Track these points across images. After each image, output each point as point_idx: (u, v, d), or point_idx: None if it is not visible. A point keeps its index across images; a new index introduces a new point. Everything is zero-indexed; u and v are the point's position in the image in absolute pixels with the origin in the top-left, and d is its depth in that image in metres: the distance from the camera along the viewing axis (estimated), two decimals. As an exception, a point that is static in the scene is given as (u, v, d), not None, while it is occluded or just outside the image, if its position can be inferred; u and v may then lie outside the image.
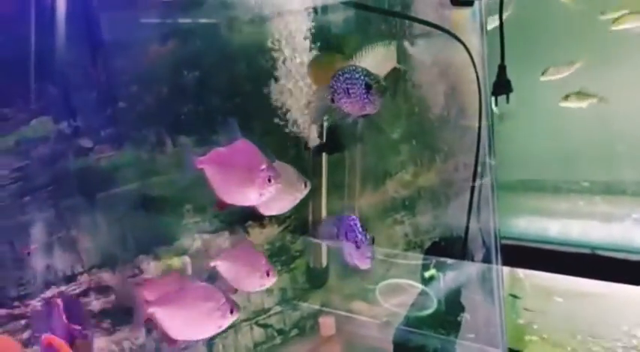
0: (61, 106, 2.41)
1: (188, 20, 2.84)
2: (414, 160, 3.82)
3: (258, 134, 3.13)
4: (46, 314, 1.96)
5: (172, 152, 2.76)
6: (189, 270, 2.71)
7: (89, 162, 2.52)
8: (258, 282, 2.41)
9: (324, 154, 3.25)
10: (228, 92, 2.96)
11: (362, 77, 2.25)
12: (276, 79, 3.01)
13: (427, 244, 3.67)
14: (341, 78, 2.27)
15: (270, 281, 2.42)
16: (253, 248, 2.49)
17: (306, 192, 2.42)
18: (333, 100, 2.31)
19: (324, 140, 3.21)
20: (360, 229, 2.41)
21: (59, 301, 1.97)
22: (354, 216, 2.46)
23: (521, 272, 4.85)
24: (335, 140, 3.24)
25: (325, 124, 3.16)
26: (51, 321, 1.93)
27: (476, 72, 3.34)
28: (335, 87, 2.29)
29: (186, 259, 2.79)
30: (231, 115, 2.94)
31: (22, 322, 2.32)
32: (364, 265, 2.41)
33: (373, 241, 2.41)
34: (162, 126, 2.74)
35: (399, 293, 3.67)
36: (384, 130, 3.56)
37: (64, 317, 1.85)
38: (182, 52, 2.81)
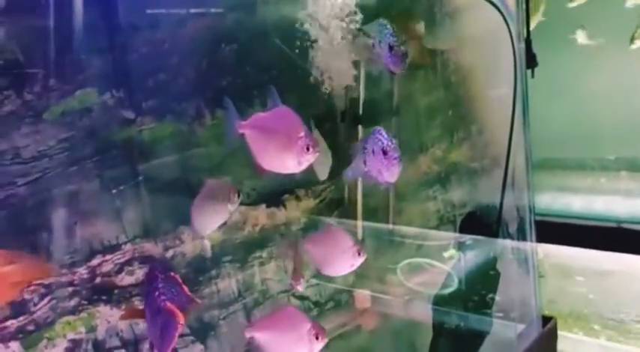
0: (105, 78, 2.45)
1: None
2: (447, 135, 3.80)
3: (295, 106, 3.14)
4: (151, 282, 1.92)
5: (211, 124, 2.80)
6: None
7: (131, 133, 2.57)
8: (348, 263, 2.39)
9: (360, 127, 3.26)
10: (264, 64, 2.96)
11: (388, 35, 2.32)
12: (313, 52, 3.01)
13: (463, 215, 3.68)
14: (378, 29, 2.35)
15: (360, 261, 2.39)
16: (340, 229, 2.50)
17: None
18: (373, 46, 2.38)
19: (360, 112, 3.21)
20: (387, 136, 2.32)
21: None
22: (379, 128, 2.36)
23: (541, 252, 4.84)
24: (371, 112, 3.24)
25: (362, 96, 3.16)
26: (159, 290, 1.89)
27: (512, 42, 3.31)
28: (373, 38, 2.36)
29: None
30: (266, 89, 2.99)
31: (70, 289, 2.39)
32: (391, 177, 2.34)
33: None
34: (201, 99, 2.77)
35: (420, 272, 3.69)
36: (418, 104, 3.55)
37: (183, 287, 1.84)
38: (220, 25, 2.83)
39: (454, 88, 3.70)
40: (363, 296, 3.37)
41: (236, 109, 2.83)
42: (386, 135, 2.27)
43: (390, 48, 2.35)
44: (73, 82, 2.38)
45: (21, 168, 2.28)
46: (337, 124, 3.16)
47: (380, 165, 2.30)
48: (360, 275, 3.46)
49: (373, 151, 2.27)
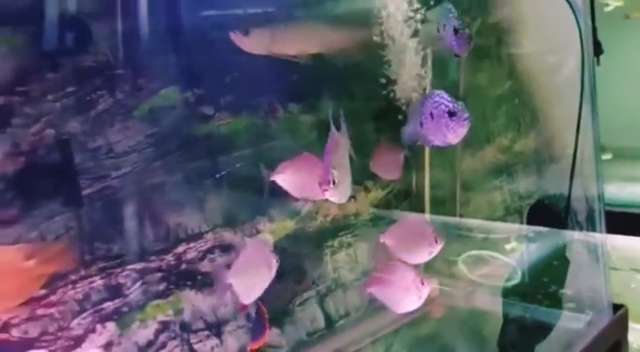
0: (186, 76, 2.60)
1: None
2: (513, 124, 3.80)
3: (362, 101, 3.23)
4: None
5: (283, 118, 2.92)
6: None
7: (211, 128, 2.72)
8: (427, 251, 2.46)
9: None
10: (333, 61, 3.06)
11: (452, 18, 2.36)
12: (381, 48, 3.08)
13: (530, 205, 3.67)
14: (442, 12, 2.41)
15: (439, 248, 2.46)
16: (417, 217, 2.58)
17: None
18: (438, 30, 2.44)
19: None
20: (450, 98, 2.27)
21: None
22: (438, 91, 2.33)
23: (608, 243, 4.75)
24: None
25: (428, 87, 3.21)
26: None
27: (579, 29, 3.28)
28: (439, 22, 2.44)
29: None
30: (336, 83, 3.09)
31: (159, 275, 2.56)
32: (456, 138, 2.28)
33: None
34: (274, 94, 2.89)
35: (482, 264, 3.70)
36: (484, 93, 3.56)
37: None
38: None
39: (520, 77, 3.69)
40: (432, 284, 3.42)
41: (307, 103, 2.99)
42: (449, 98, 2.26)
43: (455, 31, 2.39)
44: (158, 81, 2.55)
45: (114, 162, 2.47)
46: (403, 116, 3.22)
47: (444, 127, 2.27)
48: (425, 265, 3.52)
49: (432, 114, 2.27)
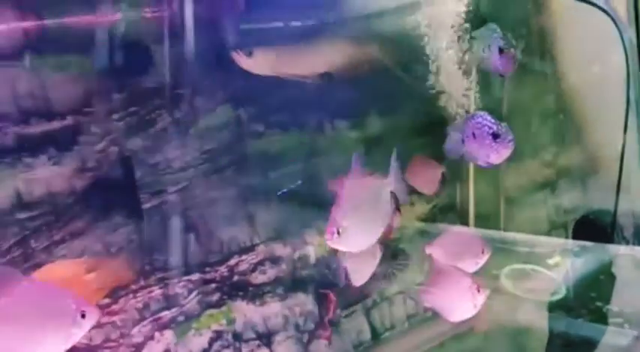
0: (238, 95, 2.71)
1: (341, 10, 3.07)
2: (557, 139, 3.80)
3: (408, 116, 3.30)
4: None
5: (331, 135, 3.01)
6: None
7: (262, 145, 2.83)
8: (473, 261, 2.49)
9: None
10: (380, 77, 3.14)
11: (497, 38, 2.41)
12: (427, 63, 3.14)
13: (575, 220, 3.65)
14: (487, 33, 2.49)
15: (485, 258, 2.50)
16: (463, 229, 2.60)
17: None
18: (483, 51, 2.49)
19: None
20: (493, 119, 2.33)
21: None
22: (482, 112, 2.39)
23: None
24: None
25: (472, 105, 3.26)
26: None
27: (623, 42, 3.28)
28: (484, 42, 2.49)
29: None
30: (383, 99, 3.17)
31: (213, 285, 2.66)
32: (499, 159, 2.34)
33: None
34: (322, 112, 2.99)
35: (524, 278, 3.67)
36: (528, 109, 3.58)
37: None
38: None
39: (564, 92, 3.70)
40: (476, 298, 3.44)
41: (354, 120, 3.07)
42: (492, 119, 2.32)
43: (500, 50, 2.44)
44: (214, 100, 2.68)
45: (171, 177, 2.60)
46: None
47: (487, 148, 2.34)
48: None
49: (474, 134, 2.33)
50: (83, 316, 1.59)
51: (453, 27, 3.11)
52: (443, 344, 3.18)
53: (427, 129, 3.13)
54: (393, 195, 1.99)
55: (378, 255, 2.27)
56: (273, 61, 2.55)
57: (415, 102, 3.24)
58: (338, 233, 1.80)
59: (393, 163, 2.02)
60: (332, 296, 2.36)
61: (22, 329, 1.49)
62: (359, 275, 2.30)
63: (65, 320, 1.56)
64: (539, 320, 3.58)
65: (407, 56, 3.22)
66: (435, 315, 3.42)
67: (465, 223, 3.53)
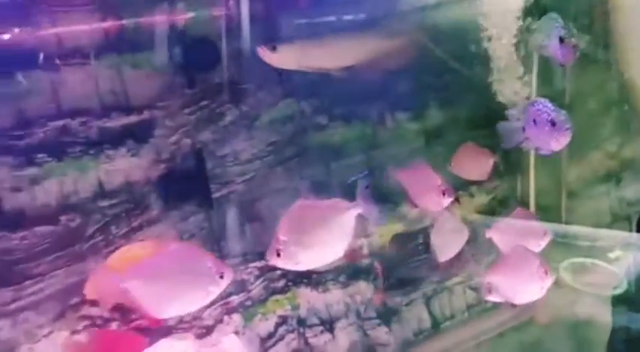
0: (302, 88, 2.80)
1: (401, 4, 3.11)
2: (621, 130, 3.72)
3: (467, 108, 3.32)
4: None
5: (391, 127, 3.07)
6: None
7: (325, 137, 2.92)
8: (536, 243, 2.48)
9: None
10: (439, 70, 3.17)
11: (558, 28, 2.39)
12: (485, 56, 3.15)
13: (638, 213, 3.57)
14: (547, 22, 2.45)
15: (546, 241, 2.51)
16: (524, 212, 2.61)
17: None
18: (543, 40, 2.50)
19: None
20: (553, 106, 2.31)
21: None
22: (541, 99, 2.37)
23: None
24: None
25: (534, 94, 3.24)
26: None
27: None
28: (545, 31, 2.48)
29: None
30: (443, 92, 3.20)
31: (278, 272, 2.77)
32: (558, 146, 2.34)
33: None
34: (383, 104, 3.05)
35: (584, 271, 3.62)
36: (590, 100, 3.53)
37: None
38: (397, 34, 3.08)
39: (628, 82, 3.61)
40: (536, 290, 3.43)
41: (414, 112, 3.11)
42: (552, 106, 2.31)
43: (561, 40, 2.42)
44: (278, 94, 2.78)
45: (239, 168, 2.71)
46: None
47: (546, 135, 2.32)
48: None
49: (535, 121, 2.32)
50: (221, 276, 1.79)
51: (512, 17, 3.11)
52: (503, 334, 3.19)
53: (486, 121, 3.13)
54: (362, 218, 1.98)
55: (466, 233, 2.32)
56: (297, 55, 2.55)
57: (474, 93, 3.25)
58: (279, 254, 1.82)
59: (361, 188, 2.01)
60: (377, 264, 2.44)
61: (169, 285, 1.71)
62: (445, 251, 2.42)
63: (206, 279, 1.75)
64: (600, 314, 3.53)
65: (466, 47, 3.24)
66: (495, 306, 3.45)
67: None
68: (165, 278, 1.72)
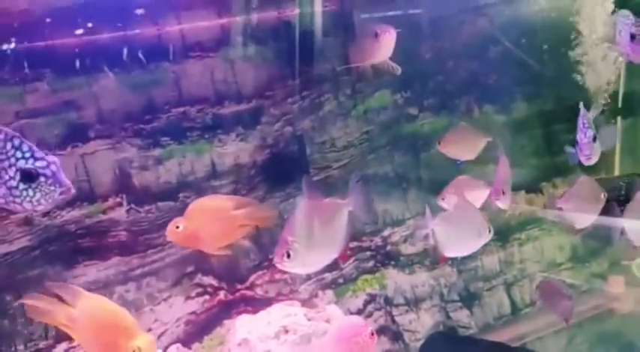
0: (396, 80, 2.95)
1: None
2: None
3: (554, 100, 3.39)
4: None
5: (478, 118, 3.17)
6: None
7: (415, 127, 3.07)
8: (596, 208, 2.59)
9: (618, 118, 3.37)
10: (527, 63, 3.25)
11: (630, 25, 2.39)
12: (573, 49, 3.20)
13: None
14: (619, 19, 2.44)
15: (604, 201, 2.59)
16: (587, 179, 2.68)
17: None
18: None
19: (620, 104, 3.32)
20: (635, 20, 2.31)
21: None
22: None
23: None
24: (630, 104, 3.32)
25: (621, 90, 3.27)
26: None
27: None
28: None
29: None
30: (529, 85, 3.27)
31: (368, 253, 2.96)
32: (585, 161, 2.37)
33: (595, 139, 2.32)
34: (471, 96, 3.16)
35: None
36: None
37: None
38: (487, 27, 3.18)
39: None
40: (616, 281, 3.47)
41: (500, 103, 3.20)
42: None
43: (632, 37, 2.43)
44: (373, 85, 2.94)
45: (335, 155, 2.90)
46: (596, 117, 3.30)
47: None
48: (613, 262, 3.55)
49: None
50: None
51: (603, 13, 3.14)
52: (581, 324, 3.25)
53: (570, 114, 3.19)
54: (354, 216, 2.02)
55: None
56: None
57: (559, 87, 3.31)
58: (288, 256, 1.80)
59: (353, 185, 2.03)
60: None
61: None
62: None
63: None
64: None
65: (555, 43, 3.30)
66: (574, 295, 3.50)
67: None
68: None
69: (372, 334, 1.85)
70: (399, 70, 2.49)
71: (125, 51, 2.42)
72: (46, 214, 2.31)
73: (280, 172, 2.78)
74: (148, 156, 2.49)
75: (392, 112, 2.99)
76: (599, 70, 3.27)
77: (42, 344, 2.30)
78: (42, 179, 1.43)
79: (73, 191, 1.48)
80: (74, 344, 2.35)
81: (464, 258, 3.17)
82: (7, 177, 1.43)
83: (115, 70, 2.40)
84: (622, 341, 3.32)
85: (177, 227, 1.98)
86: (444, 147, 2.78)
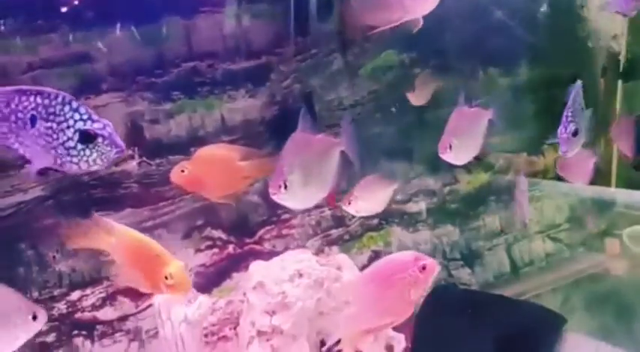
0: (403, 41, 2.97)
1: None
2: None
3: (562, 65, 3.42)
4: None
5: (482, 80, 3.22)
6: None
7: (420, 87, 3.10)
8: None
9: (619, 81, 3.42)
10: (532, 27, 3.28)
11: None
12: (580, 15, 3.24)
13: None
14: None
15: None
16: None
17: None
18: None
19: (621, 67, 3.37)
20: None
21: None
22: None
23: None
24: (632, 67, 3.37)
25: (624, 51, 3.32)
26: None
27: None
28: None
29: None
30: (533, 49, 3.31)
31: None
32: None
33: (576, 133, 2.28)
34: (476, 58, 3.20)
35: None
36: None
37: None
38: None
39: None
40: (612, 243, 3.56)
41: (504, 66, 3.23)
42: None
43: None
44: (380, 46, 2.97)
45: (342, 113, 2.93)
46: (597, 79, 3.36)
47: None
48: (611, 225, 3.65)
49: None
50: (34, 318, 1.62)
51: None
52: (578, 282, 3.35)
53: (575, 77, 3.23)
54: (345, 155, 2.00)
55: None
56: None
57: (566, 52, 3.35)
58: (285, 187, 1.77)
59: (345, 125, 2.04)
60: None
61: None
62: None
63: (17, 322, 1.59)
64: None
65: (560, 6, 3.32)
66: (570, 257, 3.60)
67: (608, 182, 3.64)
68: None
69: (424, 267, 1.73)
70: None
71: (137, 4, 2.44)
72: (59, 164, 2.35)
73: (289, 129, 2.80)
74: (159, 109, 2.50)
75: (398, 72, 3.02)
76: (603, 31, 3.31)
77: (56, 292, 2.35)
78: (99, 139, 1.49)
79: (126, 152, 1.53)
80: (87, 292, 2.42)
81: (466, 218, 3.28)
82: (65, 138, 1.48)
83: (127, 23, 2.40)
84: (616, 300, 3.42)
85: (183, 170, 2.02)
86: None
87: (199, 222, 2.64)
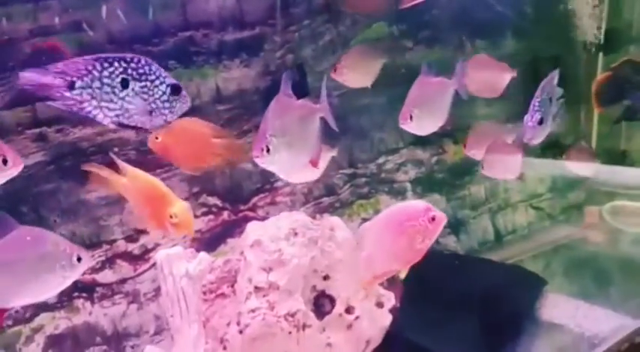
0: (393, 13, 3.04)
1: None
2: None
3: (545, 38, 3.52)
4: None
5: (470, 53, 3.29)
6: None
7: (409, 59, 3.17)
8: None
9: (600, 54, 3.53)
10: (518, 2, 3.37)
11: None
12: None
13: None
14: None
15: None
16: None
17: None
18: None
19: (602, 41, 3.47)
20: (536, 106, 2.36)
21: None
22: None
23: None
24: (613, 39, 3.47)
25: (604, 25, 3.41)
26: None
27: None
28: None
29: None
30: (523, 22, 3.39)
31: (363, 180, 3.11)
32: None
33: (541, 122, 2.36)
34: (463, 31, 3.28)
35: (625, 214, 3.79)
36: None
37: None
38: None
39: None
40: (591, 212, 3.70)
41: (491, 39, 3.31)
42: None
43: None
44: (370, 17, 3.03)
45: (334, 83, 2.99)
46: (579, 53, 3.46)
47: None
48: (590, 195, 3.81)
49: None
50: (79, 259, 1.67)
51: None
52: (557, 249, 3.48)
53: (560, 52, 3.33)
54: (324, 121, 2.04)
55: None
56: None
57: (547, 24, 3.43)
58: (268, 150, 1.81)
59: (324, 90, 2.08)
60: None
61: (16, 274, 1.57)
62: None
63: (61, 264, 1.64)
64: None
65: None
66: (551, 226, 3.73)
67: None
68: (13, 267, 1.57)
69: (434, 218, 1.80)
70: None
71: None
72: (59, 131, 2.40)
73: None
74: (155, 78, 2.57)
75: (387, 44, 3.07)
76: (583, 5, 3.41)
77: (57, 255, 2.43)
78: (183, 92, 1.74)
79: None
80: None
81: (453, 187, 3.40)
82: (160, 93, 1.70)
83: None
84: (594, 266, 3.57)
85: (157, 138, 2.15)
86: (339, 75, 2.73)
87: (195, 190, 2.71)
